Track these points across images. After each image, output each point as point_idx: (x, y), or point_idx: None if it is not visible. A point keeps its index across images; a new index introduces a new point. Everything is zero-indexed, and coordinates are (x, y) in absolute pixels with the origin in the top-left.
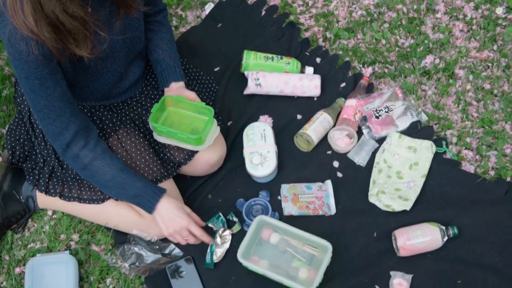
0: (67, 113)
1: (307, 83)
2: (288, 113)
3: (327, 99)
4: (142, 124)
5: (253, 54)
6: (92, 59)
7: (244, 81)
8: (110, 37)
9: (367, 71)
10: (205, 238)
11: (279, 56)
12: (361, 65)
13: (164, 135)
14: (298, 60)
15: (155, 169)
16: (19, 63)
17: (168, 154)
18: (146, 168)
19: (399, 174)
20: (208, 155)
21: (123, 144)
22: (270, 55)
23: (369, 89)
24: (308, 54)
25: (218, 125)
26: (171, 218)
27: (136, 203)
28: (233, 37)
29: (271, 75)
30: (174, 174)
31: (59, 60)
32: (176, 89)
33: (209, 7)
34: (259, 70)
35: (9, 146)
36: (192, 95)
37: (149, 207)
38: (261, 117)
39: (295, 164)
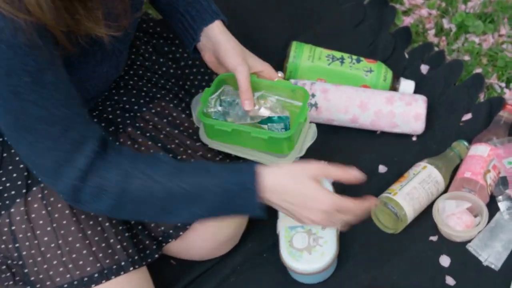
0: (79, 123)
1: (402, 109)
2: (363, 160)
3: (435, 140)
4: None
5: (309, 50)
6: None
7: None
8: None
9: None
10: (367, 205)
11: (354, 57)
12: (503, 84)
13: (219, 139)
14: (388, 67)
15: (118, 246)
16: (0, 57)
17: None
18: (103, 245)
19: None
20: (214, 226)
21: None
22: (338, 54)
23: None
24: (407, 55)
25: (310, 122)
26: (301, 208)
27: (229, 213)
28: (276, 15)
29: (337, 90)
30: (150, 259)
31: (68, 48)
32: (226, 38)
33: None
34: (317, 79)
35: None
36: (265, 67)
37: (251, 208)
38: (289, 155)
39: (372, 254)
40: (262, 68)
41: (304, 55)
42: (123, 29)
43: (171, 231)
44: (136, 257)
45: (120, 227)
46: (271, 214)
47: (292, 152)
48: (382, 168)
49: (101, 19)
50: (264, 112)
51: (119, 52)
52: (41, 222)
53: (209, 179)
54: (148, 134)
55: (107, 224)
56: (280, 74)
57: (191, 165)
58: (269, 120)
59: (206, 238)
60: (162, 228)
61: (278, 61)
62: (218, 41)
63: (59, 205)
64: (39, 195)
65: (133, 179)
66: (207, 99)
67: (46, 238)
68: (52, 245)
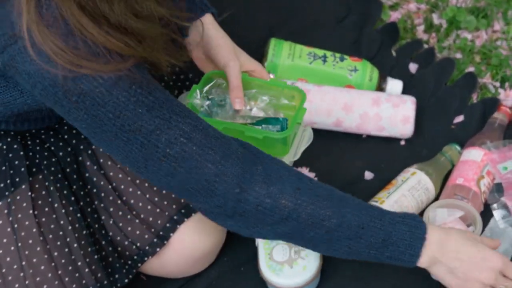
0: (207, 128)
1: (389, 111)
2: (348, 166)
3: (425, 144)
4: (71, 170)
5: (288, 47)
6: None
7: None
8: None
9: (510, 96)
10: None
11: (337, 55)
12: (497, 83)
13: None
14: (374, 66)
15: (86, 270)
16: (103, 102)
17: (119, 236)
18: (70, 268)
19: None
20: (191, 241)
21: (35, 212)
22: (320, 52)
23: (511, 131)
24: (394, 53)
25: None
26: (472, 266)
27: (383, 256)
28: (252, 10)
29: (319, 91)
30: (120, 284)
31: (164, 70)
32: (217, 33)
33: None
34: (298, 79)
35: None
36: (257, 67)
37: (411, 256)
38: (283, 158)
39: (358, 267)
40: (254, 67)
41: (283, 53)
42: (182, 61)
43: (147, 248)
44: (105, 282)
45: (90, 249)
46: None
47: (286, 155)
48: (368, 175)
49: (160, 50)
50: (257, 113)
51: None
52: (4, 240)
53: (378, 212)
54: None
55: (75, 245)
56: (272, 75)
57: (351, 196)
58: (264, 121)
59: (183, 254)
60: (138, 244)
61: (258, 57)
62: (209, 36)
63: (27, 223)
64: (5, 211)
65: (305, 196)
66: (195, 91)
67: (8, 259)
68: (15, 266)
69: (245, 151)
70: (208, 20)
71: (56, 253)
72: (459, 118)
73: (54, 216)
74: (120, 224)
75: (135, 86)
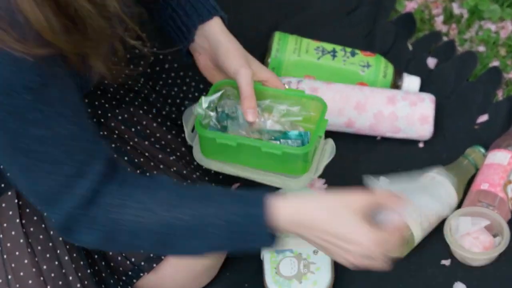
0: (86, 141)
1: (406, 111)
2: (361, 170)
3: (446, 147)
4: None
5: (294, 42)
6: None
7: None
8: None
9: None
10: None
11: (348, 50)
12: None
13: (219, 157)
14: (389, 61)
15: (78, 285)
16: None
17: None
18: (60, 283)
19: None
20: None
21: (23, 221)
22: (329, 46)
23: None
24: (410, 47)
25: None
26: (339, 249)
27: (238, 248)
28: (257, 2)
29: (329, 89)
30: None
31: (79, 68)
32: (227, 38)
33: None
34: (304, 76)
35: None
36: (271, 76)
37: (263, 242)
38: (303, 176)
39: (373, 282)
40: (267, 76)
41: (288, 48)
42: (112, 78)
43: (143, 263)
44: None
45: (82, 262)
46: None
47: (305, 174)
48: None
49: (97, 50)
50: (273, 126)
51: None
52: (29, 229)
53: (212, 210)
54: (112, 145)
55: (66, 258)
56: (287, 86)
57: (195, 192)
58: (284, 135)
59: (182, 268)
60: (133, 259)
61: (258, 56)
62: (218, 41)
63: (13, 233)
64: None
65: (126, 208)
66: (208, 102)
67: (25, 251)
68: (0, 280)
69: (105, 171)
70: (216, 24)
71: (45, 266)
72: (483, 117)
73: (43, 225)
74: None
75: (37, 72)
